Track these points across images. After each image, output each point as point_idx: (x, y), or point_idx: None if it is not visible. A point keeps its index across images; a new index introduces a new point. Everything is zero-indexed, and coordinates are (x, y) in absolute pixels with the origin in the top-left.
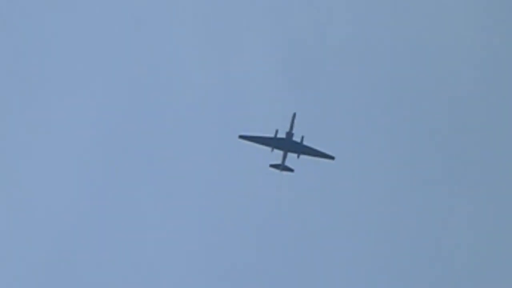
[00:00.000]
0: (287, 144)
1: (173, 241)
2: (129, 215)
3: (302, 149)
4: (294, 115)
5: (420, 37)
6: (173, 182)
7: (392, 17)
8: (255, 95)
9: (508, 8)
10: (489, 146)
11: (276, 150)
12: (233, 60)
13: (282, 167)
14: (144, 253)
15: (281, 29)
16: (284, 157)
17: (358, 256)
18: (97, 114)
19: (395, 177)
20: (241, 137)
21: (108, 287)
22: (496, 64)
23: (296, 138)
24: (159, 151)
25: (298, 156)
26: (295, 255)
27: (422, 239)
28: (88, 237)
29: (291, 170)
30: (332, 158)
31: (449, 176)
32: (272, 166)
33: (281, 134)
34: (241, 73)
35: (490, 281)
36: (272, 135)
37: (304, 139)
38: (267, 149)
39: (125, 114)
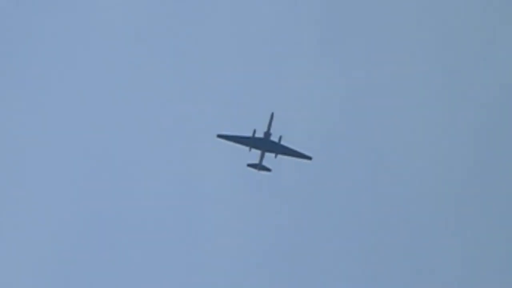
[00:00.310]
0: (265, 143)
1: (152, 237)
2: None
3: (279, 149)
4: (272, 114)
5: None
6: (150, 178)
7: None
8: (234, 94)
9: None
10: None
11: (254, 150)
12: (214, 59)
13: (259, 166)
14: (134, 251)
15: (255, 28)
16: (262, 156)
17: (335, 256)
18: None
19: (372, 179)
20: (220, 136)
21: None
22: None
23: (274, 138)
24: (139, 148)
25: (275, 156)
26: (272, 254)
27: (401, 238)
28: (88, 239)
29: (268, 169)
30: (309, 158)
31: (426, 180)
32: (250, 165)
33: (259, 134)
34: (221, 72)
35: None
36: (250, 134)
37: (282, 139)
38: (245, 148)
39: (106, 112)
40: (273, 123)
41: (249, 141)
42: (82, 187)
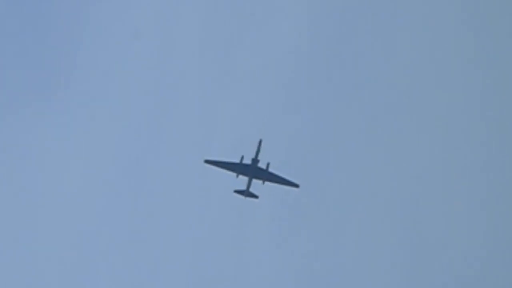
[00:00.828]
0: (252, 170)
1: (142, 264)
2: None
3: (267, 176)
4: (260, 142)
5: None
6: (137, 202)
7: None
8: (222, 121)
9: None
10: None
11: (241, 176)
12: (200, 88)
13: (246, 193)
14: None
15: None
16: (249, 183)
17: (320, 281)
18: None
19: (357, 208)
20: (207, 161)
21: None
22: None
23: (262, 164)
24: (128, 173)
25: (263, 183)
26: (257, 279)
27: (382, 271)
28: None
29: (255, 196)
30: (296, 186)
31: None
32: (237, 192)
33: (247, 160)
34: (209, 100)
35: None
36: (237, 161)
37: (270, 166)
38: (233, 174)
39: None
40: (261, 150)
41: (237, 167)
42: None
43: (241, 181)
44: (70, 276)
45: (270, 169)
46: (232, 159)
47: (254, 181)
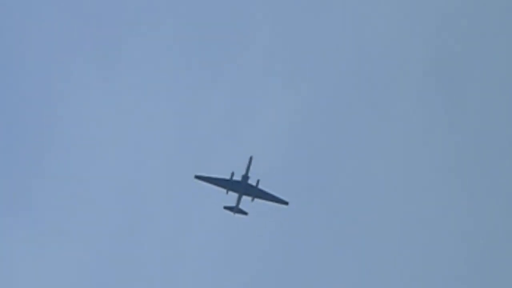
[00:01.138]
0: (242, 187)
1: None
2: None
3: (257, 192)
4: (251, 158)
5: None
6: (125, 214)
7: None
8: (213, 136)
9: None
10: None
11: (231, 192)
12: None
13: (236, 209)
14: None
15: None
16: (239, 199)
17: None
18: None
19: (347, 226)
20: (197, 177)
21: None
22: None
23: (252, 181)
24: (117, 185)
25: (252, 200)
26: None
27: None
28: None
29: (245, 213)
30: (286, 203)
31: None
32: (226, 208)
33: (237, 177)
34: (200, 112)
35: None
36: (228, 177)
37: (260, 183)
38: (223, 190)
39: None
40: (251, 167)
41: (227, 184)
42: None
43: (231, 197)
44: None
45: (260, 186)
46: (222, 175)
47: (244, 197)
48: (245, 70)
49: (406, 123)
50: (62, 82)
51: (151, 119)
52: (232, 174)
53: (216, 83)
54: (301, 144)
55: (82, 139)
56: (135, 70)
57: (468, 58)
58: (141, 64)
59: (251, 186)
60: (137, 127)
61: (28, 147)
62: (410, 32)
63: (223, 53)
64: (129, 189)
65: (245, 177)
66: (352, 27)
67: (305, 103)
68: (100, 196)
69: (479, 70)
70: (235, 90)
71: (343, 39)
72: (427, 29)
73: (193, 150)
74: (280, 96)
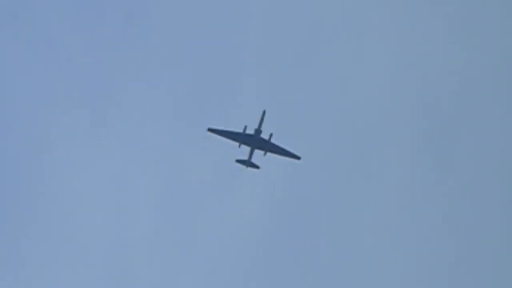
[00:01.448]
0: (255, 140)
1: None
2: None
3: (269, 146)
4: (264, 112)
5: None
6: (138, 169)
7: None
8: (227, 89)
9: None
10: None
11: (243, 146)
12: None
13: (248, 163)
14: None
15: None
16: (251, 153)
17: (318, 256)
18: None
19: (358, 183)
20: (210, 130)
21: None
22: None
23: (265, 135)
24: (132, 135)
25: (264, 154)
26: (256, 250)
27: (384, 240)
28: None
29: (257, 166)
30: (298, 158)
31: (415, 179)
32: (239, 161)
33: (250, 131)
34: (218, 67)
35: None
36: (240, 130)
37: (273, 137)
38: (235, 144)
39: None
40: (264, 121)
41: (239, 137)
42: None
43: (244, 150)
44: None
45: (273, 140)
46: (235, 129)
47: (256, 151)
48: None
49: (396, 183)
50: (49, 135)
51: (140, 175)
52: (245, 127)
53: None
54: (317, 97)
55: (68, 191)
56: (124, 128)
57: (458, 121)
58: (130, 120)
59: (263, 140)
60: (125, 182)
61: (12, 198)
62: (400, 89)
63: (216, 106)
64: (143, 139)
65: (258, 131)
66: (338, 89)
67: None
68: (85, 253)
69: (469, 132)
70: None
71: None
72: (416, 86)
73: (181, 207)
74: None
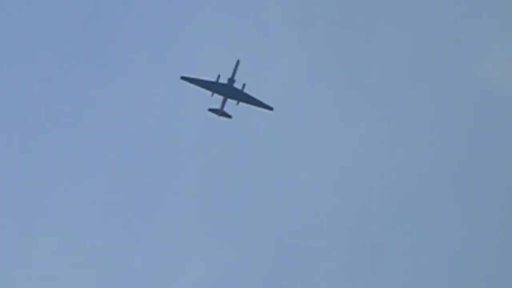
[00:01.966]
0: (228, 90)
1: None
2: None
3: (242, 96)
4: (238, 62)
5: None
6: (111, 117)
7: None
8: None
9: None
10: None
11: (216, 95)
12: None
13: (220, 112)
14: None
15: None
16: (224, 102)
17: (287, 214)
18: None
19: (333, 136)
20: (183, 78)
21: None
22: None
23: (238, 85)
24: (105, 86)
25: (237, 103)
26: (226, 201)
27: (362, 200)
28: None
29: (229, 116)
30: (270, 109)
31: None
32: (211, 110)
33: (223, 80)
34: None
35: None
36: (214, 79)
37: (245, 87)
38: (208, 92)
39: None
40: (238, 71)
41: (212, 86)
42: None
43: (216, 99)
44: None
45: (246, 90)
46: (208, 78)
47: (229, 100)
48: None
49: None
50: None
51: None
52: (218, 76)
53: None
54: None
55: None
56: (54, 228)
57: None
58: (61, 220)
59: (236, 89)
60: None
61: None
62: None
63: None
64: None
65: (231, 80)
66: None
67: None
68: None
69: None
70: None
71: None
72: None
73: (180, 50)
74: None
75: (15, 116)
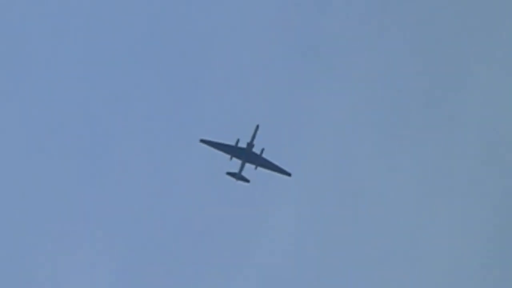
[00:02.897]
0: (247, 154)
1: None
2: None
3: (260, 161)
4: (257, 127)
5: None
6: (130, 178)
7: None
8: (223, 100)
9: None
10: None
11: (235, 159)
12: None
13: (238, 176)
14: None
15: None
16: (242, 166)
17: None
18: None
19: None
20: (202, 141)
21: None
22: None
23: (257, 150)
24: (123, 145)
25: (255, 168)
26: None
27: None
28: None
29: (247, 180)
30: (288, 174)
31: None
32: (229, 174)
33: (242, 144)
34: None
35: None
36: (233, 143)
37: (264, 152)
38: (227, 156)
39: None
40: (257, 136)
41: (231, 150)
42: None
43: (234, 164)
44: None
45: (264, 155)
46: (227, 141)
47: (247, 165)
48: None
49: None
50: None
51: (164, 82)
52: (238, 140)
53: None
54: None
55: None
56: None
57: None
58: None
59: (255, 154)
60: None
61: None
62: None
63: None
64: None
65: (250, 144)
66: None
67: None
68: None
69: None
70: None
71: None
72: None
73: (201, 114)
74: None
75: None
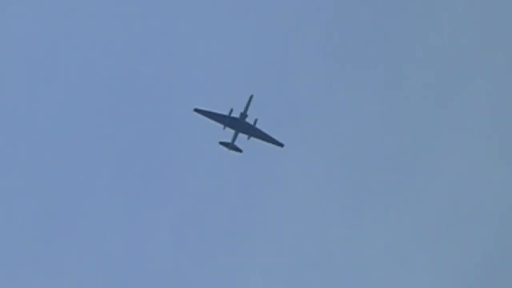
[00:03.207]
0: (240, 124)
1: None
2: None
3: (253, 131)
4: (251, 97)
5: None
6: (121, 148)
7: None
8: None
9: None
10: None
11: (228, 128)
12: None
13: (231, 146)
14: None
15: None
16: (235, 136)
17: (296, 244)
18: None
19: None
20: (196, 110)
21: None
22: None
23: (250, 120)
24: (119, 117)
25: (248, 138)
26: (232, 235)
27: (363, 233)
28: None
29: (239, 150)
30: (281, 145)
31: (393, 173)
32: (222, 143)
33: (236, 114)
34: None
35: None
36: (226, 113)
37: (257, 122)
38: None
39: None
40: (251, 106)
41: (225, 119)
42: None
43: (228, 133)
44: None
45: (257, 125)
46: (221, 111)
47: (240, 135)
48: None
49: None
50: None
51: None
52: (231, 110)
53: None
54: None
55: None
56: None
57: None
58: None
59: (248, 124)
60: None
61: None
62: None
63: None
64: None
65: (243, 115)
66: None
67: None
68: None
69: None
70: None
71: None
72: None
73: (196, 83)
74: None
75: None
